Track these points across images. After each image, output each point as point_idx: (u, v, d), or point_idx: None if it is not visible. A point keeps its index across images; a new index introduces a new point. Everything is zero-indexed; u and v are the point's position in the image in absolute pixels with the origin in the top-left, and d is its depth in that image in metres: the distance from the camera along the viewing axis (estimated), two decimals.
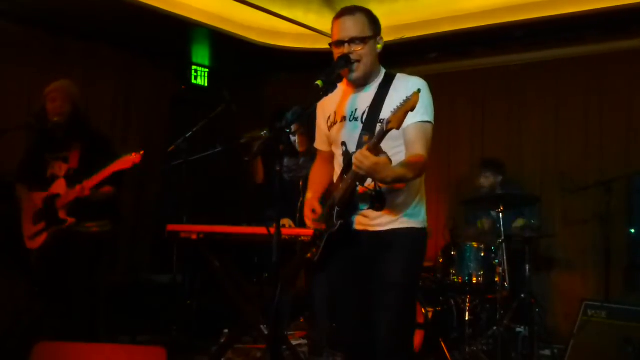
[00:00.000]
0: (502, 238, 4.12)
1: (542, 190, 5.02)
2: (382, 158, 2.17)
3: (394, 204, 2.41)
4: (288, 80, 6.24)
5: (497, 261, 4.18)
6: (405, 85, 2.40)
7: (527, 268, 4.25)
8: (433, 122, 2.38)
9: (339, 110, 2.51)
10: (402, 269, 2.41)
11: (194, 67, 6.00)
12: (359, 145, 2.33)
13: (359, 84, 2.48)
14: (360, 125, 2.42)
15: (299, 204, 4.06)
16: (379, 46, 2.47)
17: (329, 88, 2.34)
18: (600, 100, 4.96)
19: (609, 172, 4.59)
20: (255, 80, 6.40)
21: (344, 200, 2.38)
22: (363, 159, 2.15)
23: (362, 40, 2.41)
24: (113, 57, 5.39)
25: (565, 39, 5.02)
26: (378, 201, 2.31)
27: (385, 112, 2.33)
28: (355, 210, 2.43)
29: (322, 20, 5.22)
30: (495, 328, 4.08)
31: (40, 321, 3.71)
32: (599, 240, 4.61)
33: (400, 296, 2.41)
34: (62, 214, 3.46)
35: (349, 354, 2.67)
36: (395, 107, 2.11)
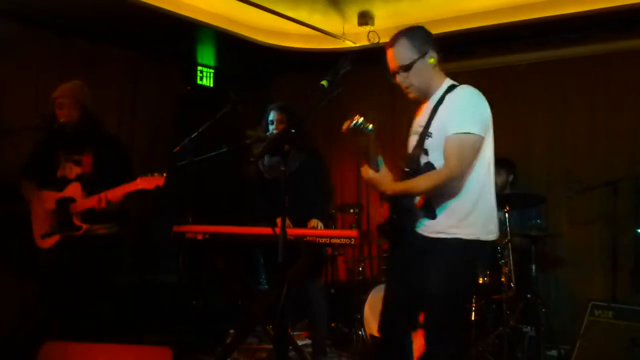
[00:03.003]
0: (509, 238, 4.11)
1: (549, 190, 5.00)
2: (377, 174, 2.48)
3: (445, 213, 2.47)
4: (293, 80, 6.24)
5: (502, 261, 4.17)
6: (452, 101, 2.48)
7: (533, 268, 4.24)
8: (473, 131, 2.40)
9: (413, 124, 2.66)
10: (440, 280, 2.44)
11: (199, 68, 6.00)
12: (408, 158, 2.53)
13: (423, 100, 2.60)
14: (417, 139, 2.56)
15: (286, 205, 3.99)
16: (431, 60, 2.51)
17: (334, 88, 2.36)
18: (607, 100, 4.94)
19: (615, 172, 4.57)
20: (261, 80, 6.41)
21: (395, 200, 2.58)
22: (363, 173, 2.45)
23: (405, 68, 2.49)
24: (119, 57, 5.41)
25: (570, 38, 5.01)
26: (427, 211, 2.48)
27: (433, 128, 2.48)
28: (410, 215, 2.56)
29: (327, 21, 5.22)
30: (501, 328, 4.06)
31: (47, 321, 3.73)
32: (606, 240, 4.59)
33: (437, 310, 2.46)
34: (76, 220, 3.46)
35: (383, 342, 2.72)
36: None
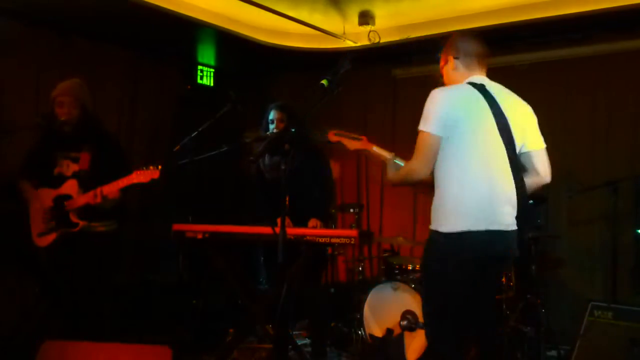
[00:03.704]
0: None
1: (549, 190, 5.00)
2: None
3: None
4: (294, 79, 6.24)
5: None
6: None
7: (533, 268, 4.24)
8: (422, 129, 2.54)
9: None
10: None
11: (199, 67, 6.01)
12: None
13: None
14: None
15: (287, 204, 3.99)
16: (451, 66, 2.77)
17: (334, 87, 2.37)
18: (607, 100, 4.94)
19: (616, 172, 4.57)
20: (261, 80, 6.41)
21: None
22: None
23: (440, 73, 2.85)
24: (119, 57, 5.41)
25: (571, 38, 5.00)
26: None
27: None
28: None
29: (328, 20, 5.22)
30: (501, 328, 4.06)
31: (47, 320, 3.72)
32: (606, 240, 4.59)
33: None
34: (73, 217, 3.46)
35: None
36: None
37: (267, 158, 4.01)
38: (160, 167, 3.33)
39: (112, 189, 3.37)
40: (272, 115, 4.04)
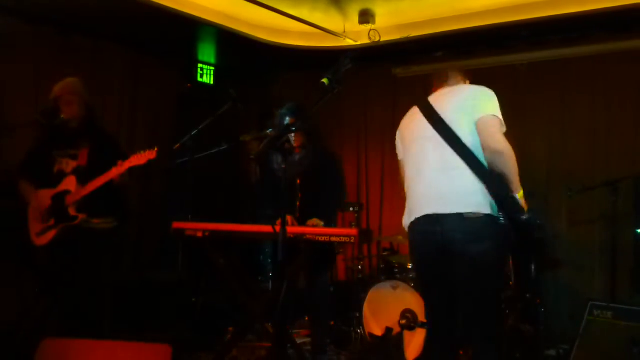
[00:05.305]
0: None
1: (548, 190, 5.00)
2: None
3: None
4: (294, 78, 6.24)
5: None
6: None
7: (533, 268, 4.24)
8: None
9: None
10: None
11: (199, 65, 6.01)
12: None
13: None
14: None
15: (298, 203, 4.01)
16: None
17: (335, 86, 2.36)
18: (607, 99, 4.94)
19: (615, 172, 4.57)
20: (261, 78, 6.41)
21: None
22: None
23: None
24: (120, 55, 5.41)
25: (571, 38, 5.00)
26: None
27: None
28: None
29: (328, 19, 5.22)
30: (500, 328, 4.06)
31: (47, 318, 3.73)
32: (606, 240, 4.59)
33: None
34: (72, 211, 3.47)
35: None
36: None
37: (277, 157, 3.99)
38: (156, 149, 3.35)
39: (109, 176, 3.38)
40: (288, 122, 3.93)
